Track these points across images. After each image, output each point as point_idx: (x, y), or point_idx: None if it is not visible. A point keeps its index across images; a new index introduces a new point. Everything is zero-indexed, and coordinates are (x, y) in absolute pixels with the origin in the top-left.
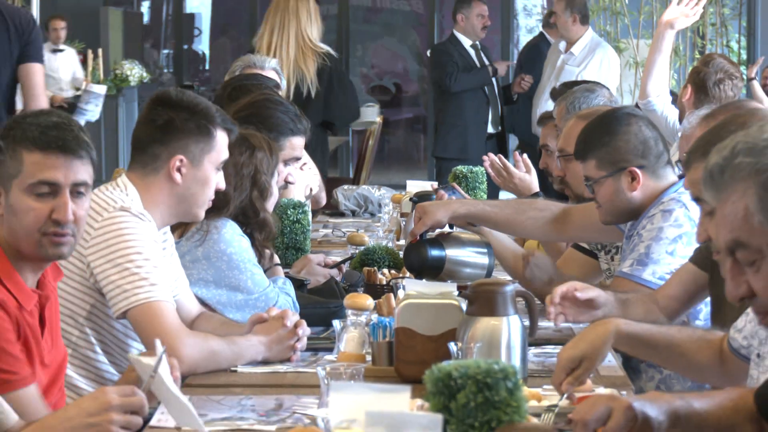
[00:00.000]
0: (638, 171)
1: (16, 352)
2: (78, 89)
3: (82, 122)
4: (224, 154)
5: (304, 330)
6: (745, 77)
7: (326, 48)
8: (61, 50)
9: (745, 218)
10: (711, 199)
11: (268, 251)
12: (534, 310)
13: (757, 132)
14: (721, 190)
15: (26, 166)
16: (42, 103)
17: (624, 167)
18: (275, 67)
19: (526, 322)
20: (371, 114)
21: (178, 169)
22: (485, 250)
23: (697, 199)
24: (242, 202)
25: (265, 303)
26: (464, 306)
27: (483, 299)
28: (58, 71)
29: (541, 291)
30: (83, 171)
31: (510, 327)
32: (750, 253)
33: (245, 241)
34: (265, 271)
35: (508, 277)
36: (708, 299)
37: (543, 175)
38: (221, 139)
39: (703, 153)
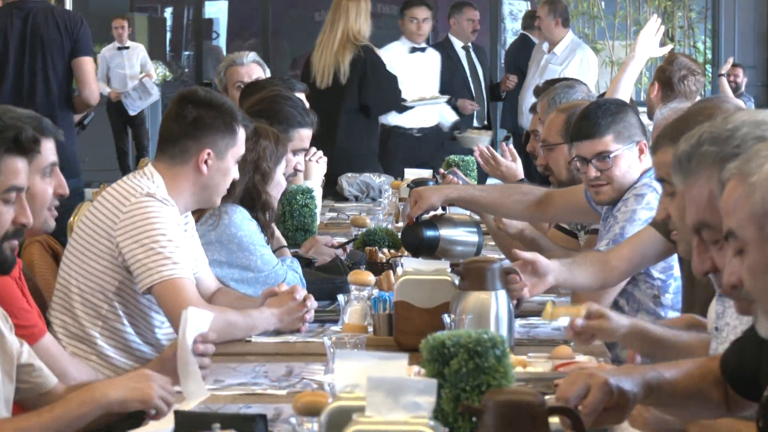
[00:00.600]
0: (644, 145)
1: (27, 307)
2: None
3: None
4: (243, 149)
5: (312, 303)
6: (709, 74)
7: (366, 42)
8: (126, 47)
9: (709, 201)
10: (679, 183)
11: (276, 234)
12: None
13: (721, 123)
14: (689, 175)
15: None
16: (93, 90)
17: (637, 140)
18: (255, 59)
19: None
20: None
21: (205, 162)
22: (475, 230)
23: (660, 180)
24: (246, 185)
25: (274, 280)
26: (456, 281)
27: (474, 275)
28: (125, 68)
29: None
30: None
31: (498, 300)
32: (714, 233)
33: (254, 225)
34: (274, 252)
35: (498, 255)
36: (679, 274)
37: (529, 160)
38: (242, 135)
39: (671, 138)
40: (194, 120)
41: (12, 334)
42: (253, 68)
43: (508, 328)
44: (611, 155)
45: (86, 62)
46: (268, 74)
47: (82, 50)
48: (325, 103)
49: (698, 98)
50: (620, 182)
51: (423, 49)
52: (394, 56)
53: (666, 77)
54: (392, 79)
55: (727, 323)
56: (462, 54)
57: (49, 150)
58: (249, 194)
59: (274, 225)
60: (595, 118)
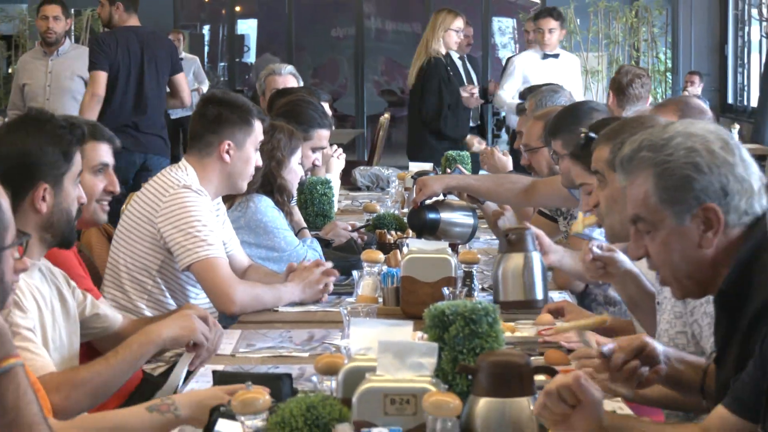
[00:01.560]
0: None
1: (83, 274)
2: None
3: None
4: (261, 137)
5: (334, 277)
6: (670, 80)
7: (436, 53)
8: (180, 59)
9: (644, 199)
10: (622, 180)
11: (296, 217)
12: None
13: (659, 132)
14: (629, 174)
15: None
16: (188, 97)
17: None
18: (291, 71)
19: None
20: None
21: (227, 152)
22: (471, 213)
23: (595, 172)
24: (264, 172)
25: (296, 257)
26: (453, 260)
27: (515, 240)
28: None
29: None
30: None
31: (533, 260)
32: (647, 225)
33: (276, 212)
34: (296, 233)
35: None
36: None
37: (516, 154)
38: (258, 126)
39: (607, 138)
40: (214, 117)
41: (73, 297)
42: (289, 78)
43: (542, 282)
44: (557, 157)
45: (183, 76)
46: (301, 84)
47: (180, 67)
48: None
49: (652, 100)
50: (568, 177)
51: (556, 56)
52: (527, 63)
53: (617, 85)
54: (434, 89)
55: (665, 297)
56: (459, 63)
57: (103, 151)
58: (267, 179)
59: (296, 208)
60: (553, 123)
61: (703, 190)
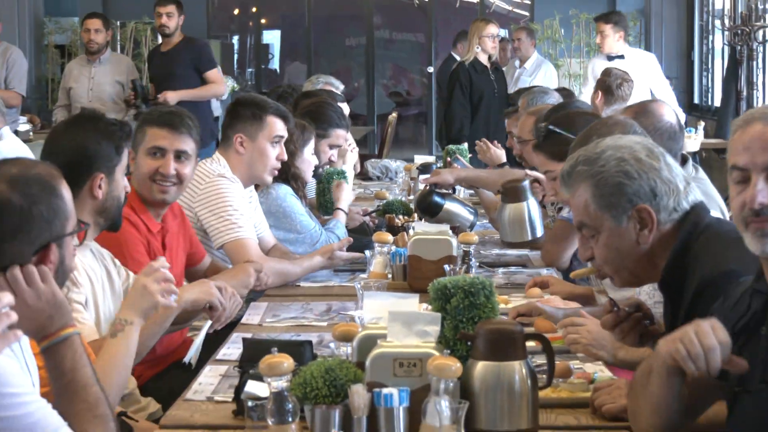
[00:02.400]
0: None
1: (145, 261)
2: None
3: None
4: (276, 131)
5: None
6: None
7: (462, 59)
8: None
9: (585, 207)
10: (565, 193)
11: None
12: None
13: (593, 147)
14: (570, 187)
15: (147, 136)
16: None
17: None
18: (328, 81)
19: None
20: None
21: (241, 144)
22: (473, 211)
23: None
24: None
25: (311, 239)
26: (454, 241)
27: (511, 191)
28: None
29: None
30: (183, 143)
31: (530, 207)
32: (590, 230)
33: (295, 198)
34: (330, 214)
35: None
36: None
37: (508, 150)
38: (272, 121)
39: (580, 143)
40: (230, 114)
41: (118, 275)
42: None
43: (540, 223)
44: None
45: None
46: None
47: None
48: None
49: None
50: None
51: (621, 56)
52: (596, 68)
53: (606, 85)
54: (460, 96)
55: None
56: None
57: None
58: (282, 168)
59: (320, 198)
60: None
61: (635, 194)
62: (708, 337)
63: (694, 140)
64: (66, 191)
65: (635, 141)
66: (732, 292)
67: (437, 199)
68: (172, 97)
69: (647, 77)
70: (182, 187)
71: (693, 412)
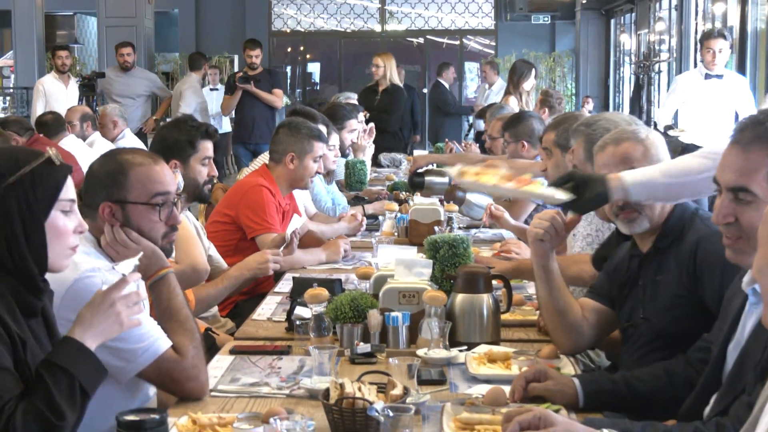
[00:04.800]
0: (526, 143)
1: (273, 214)
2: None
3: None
4: (319, 152)
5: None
6: (574, 99)
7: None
8: (216, 89)
9: (579, 158)
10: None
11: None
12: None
13: (589, 119)
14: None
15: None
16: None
17: (520, 139)
18: (349, 96)
19: None
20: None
21: (291, 161)
22: (446, 179)
23: (545, 148)
24: None
25: (332, 211)
26: (441, 210)
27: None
28: (214, 104)
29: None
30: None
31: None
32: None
33: (321, 185)
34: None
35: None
36: None
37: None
38: (318, 146)
39: (553, 127)
40: (277, 133)
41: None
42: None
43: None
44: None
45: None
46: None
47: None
48: None
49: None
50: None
51: (719, 76)
52: (689, 82)
53: (549, 104)
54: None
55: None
56: (448, 91)
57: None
58: None
59: (347, 179)
60: (515, 120)
61: None
62: (548, 215)
63: None
64: (136, 172)
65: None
66: (616, 254)
67: (417, 178)
68: (252, 89)
69: (737, 99)
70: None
71: (598, 338)
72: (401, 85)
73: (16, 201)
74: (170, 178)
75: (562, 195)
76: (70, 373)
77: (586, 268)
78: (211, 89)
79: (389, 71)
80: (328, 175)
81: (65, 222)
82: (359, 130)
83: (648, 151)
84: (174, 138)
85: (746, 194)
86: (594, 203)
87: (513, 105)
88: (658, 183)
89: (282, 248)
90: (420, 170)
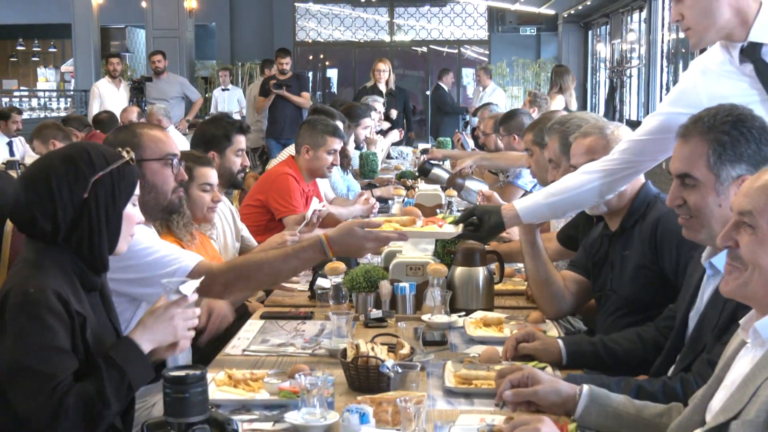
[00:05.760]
0: (517, 137)
1: (298, 198)
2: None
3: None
4: (334, 147)
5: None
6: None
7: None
8: (227, 89)
9: (554, 152)
10: (545, 140)
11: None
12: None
13: (562, 117)
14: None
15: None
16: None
17: (512, 133)
18: (380, 101)
19: None
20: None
21: (307, 152)
22: (449, 171)
23: (526, 149)
24: None
25: (341, 187)
26: (442, 195)
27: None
28: (225, 103)
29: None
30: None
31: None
32: (553, 166)
33: (338, 174)
34: (369, 179)
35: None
36: None
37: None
38: (331, 141)
39: (530, 128)
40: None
41: (236, 225)
42: (377, 105)
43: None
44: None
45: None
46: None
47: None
48: None
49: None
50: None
51: None
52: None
53: (538, 103)
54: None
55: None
56: (448, 93)
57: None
58: None
59: (361, 168)
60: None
61: None
62: None
63: None
64: (149, 136)
65: None
66: (591, 234)
67: (427, 167)
68: (284, 93)
69: None
70: None
71: (578, 305)
72: (393, 87)
73: (104, 192)
74: (175, 143)
75: (452, 229)
76: (123, 371)
77: (550, 245)
78: (223, 89)
79: (391, 75)
80: (347, 165)
81: (135, 213)
82: (372, 127)
83: (609, 144)
84: (212, 132)
85: (690, 179)
86: (494, 231)
87: (560, 104)
88: (542, 204)
89: (302, 225)
90: (433, 161)
